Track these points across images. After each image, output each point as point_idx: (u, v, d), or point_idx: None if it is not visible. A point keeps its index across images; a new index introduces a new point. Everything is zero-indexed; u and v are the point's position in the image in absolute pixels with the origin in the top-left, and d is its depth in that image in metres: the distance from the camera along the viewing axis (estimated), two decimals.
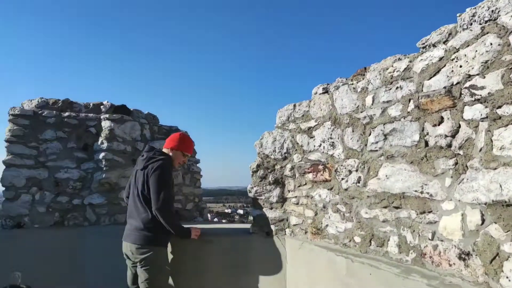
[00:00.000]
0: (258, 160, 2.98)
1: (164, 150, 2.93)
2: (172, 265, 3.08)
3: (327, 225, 2.48)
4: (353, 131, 2.26)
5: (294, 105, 2.80)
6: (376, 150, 2.09)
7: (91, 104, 4.04)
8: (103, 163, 3.68)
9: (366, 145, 2.17)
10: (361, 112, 2.20)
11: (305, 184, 2.68)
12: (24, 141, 3.57)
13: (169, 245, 2.98)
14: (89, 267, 3.49)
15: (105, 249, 3.46)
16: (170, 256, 3.10)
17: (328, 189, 2.46)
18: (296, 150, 2.77)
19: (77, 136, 3.79)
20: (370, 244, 2.13)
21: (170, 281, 3.08)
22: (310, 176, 2.62)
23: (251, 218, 3.32)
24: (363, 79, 2.22)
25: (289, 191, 2.83)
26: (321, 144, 2.53)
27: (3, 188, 3.50)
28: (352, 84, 2.30)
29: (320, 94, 2.58)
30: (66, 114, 3.78)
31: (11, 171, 3.50)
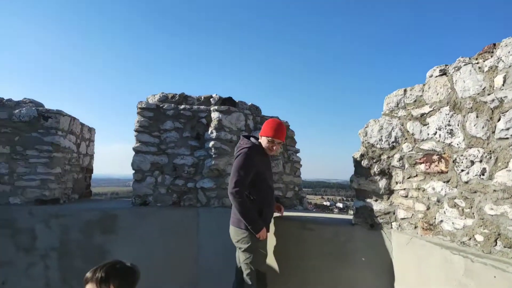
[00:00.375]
0: (362, 149, 2.87)
1: (258, 137, 3.01)
2: (274, 249, 3.21)
3: (441, 221, 2.26)
4: (477, 117, 2.00)
5: (405, 90, 2.60)
6: (507, 138, 1.82)
7: (202, 97, 4.41)
8: (213, 151, 3.99)
9: (493, 132, 1.90)
10: (488, 94, 1.92)
11: (416, 175, 2.48)
12: (149, 130, 4.10)
13: (272, 228, 3.10)
14: (202, 242, 3.86)
15: (215, 228, 3.77)
16: (273, 240, 3.23)
17: (444, 182, 2.24)
18: (406, 138, 2.58)
19: (191, 127, 4.19)
20: (496, 244, 1.87)
21: (273, 264, 3.22)
22: (422, 167, 2.41)
23: (351, 212, 3.23)
24: (491, 57, 1.94)
25: (396, 182, 2.66)
26: (436, 132, 2.30)
27: (133, 172, 4.08)
28: (477, 63, 2.02)
29: (436, 76, 2.34)
30: (182, 106, 4.20)
31: (139, 156, 4.07)
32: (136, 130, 4.10)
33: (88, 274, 1.40)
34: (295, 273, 3.11)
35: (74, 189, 4.62)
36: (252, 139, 2.96)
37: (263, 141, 2.91)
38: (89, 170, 5.11)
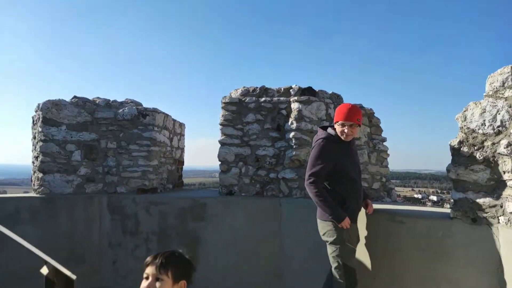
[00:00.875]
0: (460, 135, 2.58)
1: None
2: (361, 242, 3.09)
3: None
4: None
5: None
6: None
7: (282, 89, 4.44)
8: (293, 141, 4.00)
9: None
10: None
11: None
12: (233, 124, 4.28)
13: (359, 222, 2.99)
14: (284, 232, 3.92)
15: (298, 218, 3.80)
16: (362, 233, 3.10)
17: None
18: None
19: (272, 118, 4.25)
20: None
21: (361, 257, 3.10)
22: None
23: (447, 206, 2.93)
24: None
25: (504, 172, 2.34)
26: None
27: (219, 163, 4.31)
28: None
29: None
30: (263, 99, 4.28)
31: (224, 148, 4.28)
32: (221, 124, 4.32)
33: (149, 259, 1.50)
34: (383, 268, 2.96)
35: (169, 179, 5.07)
36: (329, 130, 2.89)
37: (336, 127, 2.83)
38: (181, 162, 5.55)
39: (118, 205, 4.24)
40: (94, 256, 4.18)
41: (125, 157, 4.40)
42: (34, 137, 4.31)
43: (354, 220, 2.81)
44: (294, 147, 4.00)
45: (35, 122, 4.34)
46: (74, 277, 1.73)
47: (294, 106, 4.12)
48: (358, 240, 2.93)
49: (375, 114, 4.71)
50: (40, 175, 4.15)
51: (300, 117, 4.05)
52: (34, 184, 4.24)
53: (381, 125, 4.73)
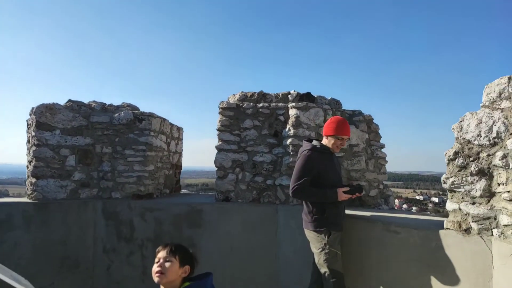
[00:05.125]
0: (456, 146, 2.55)
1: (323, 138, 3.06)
2: (354, 251, 3.07)
3: None
4: None
5: (510, 78, 2.23)
6: None
7: (280, 94, 4.41)
8: (290, 148, 3.97)
9: None
10: None
11: None
12: (230, 129, 4.25)
13: (354, 230, 3.00)
14: (281, 239, 3.88)
15: (294, 225, 3.77)
16: (352, 241, 3.10)
17: None
18: (510, 134, 2.21)
19: (269, 124, 4.22)
20: None
21: (353, 266, 3.08)
22: None
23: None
24: None
25: (498, 184, 2.31)
26: None
27: (216, 169, 4.28)
28: None
29: None
30: (260, 105, 4.25)
31: (221, 154, 4.25)
32: (218, 129, 4.29)
33: (160, 247, 1.82)
34: (376, 278, 2.94)
35: (166, 184, 5.04)
36: (314, 142, 3.06)
37: (329, 140, 2.98)
38: (178, 166, 5.52)
39: (113, 211, 4.21)
40: (88, 261, 4.15)
41: (121, 162, 4.37)
42: (28, 141, 4.29)
43: (337, 228, 2.87)
44: (291, 153, 3.96)
45: (29, 126, 4.32)
46: None
47: (292, 112, 4.09)
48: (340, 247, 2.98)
49: (374, 121, 4.67)
50: (34, 180, 4.12)
51: (297, 124, 4.02)
52: (27, 189, 4.22)
53: (380, 131, 4.69)
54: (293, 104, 4.11)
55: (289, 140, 3.99)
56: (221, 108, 4.30)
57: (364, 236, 3.09)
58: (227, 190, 4.26)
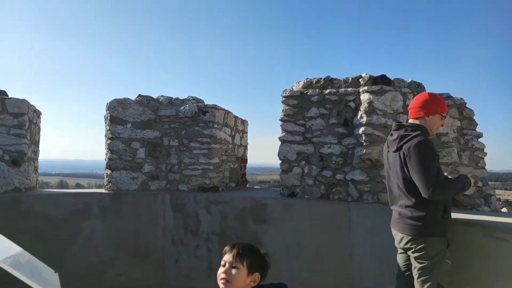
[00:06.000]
0: None
1: (414, 121, 2.45)
2: (453, 264, 2.52)
3: None
4: None
5: None
6: None
7: (350, 79, 3.96)
8: (363, 138, 3.52)
9: None
10: None
11: None
12: (294, 119, 3.95)
13: (448, 235, 2.45)
14: (355, 240, 3.48)
15: (370, 226, 3.35)
16: (453, 252, 2.54)
17: None
18: None
19: (338, 112, 3.81)
20: None
21: (455, 284, 2.53)
22: None
23: None
24: None
25: None
26: None
27: (280, 162, 4.02)
28: None
29: None
30: (327, 91, 3.87)
31: (285, 146, 3.97)
32: (281, 120, 4.02)
33: (227, 248, 1.57)
34: None
35: (231, 177, 4.93)
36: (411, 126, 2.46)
37: (435, 120, 2.41)
38: (244, 160, 5.38)
39: (180, 203, 4.22)
40: (158, 253, 4.22)
41: (187, 154, 4.36)
42: (105, 135, 4.52)
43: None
44: (364, 144, 3.51)
45: (105, 120, 4.56)
46: None
47: (364, 97, 3.62)
48: None
49: (467, 105, 3.95)
50: (109, 171, 4.33)
51: (371, 110, 3.55)
52: (104, 181, 4.45)
53: (475, 117, 3.95)
54: (365, 88, 3.64)
55: (361, 129, 3.53)
56: (284, 96, 4.01)
57: (460, 243, 2.53)
58: (293, 185, 3.96)
